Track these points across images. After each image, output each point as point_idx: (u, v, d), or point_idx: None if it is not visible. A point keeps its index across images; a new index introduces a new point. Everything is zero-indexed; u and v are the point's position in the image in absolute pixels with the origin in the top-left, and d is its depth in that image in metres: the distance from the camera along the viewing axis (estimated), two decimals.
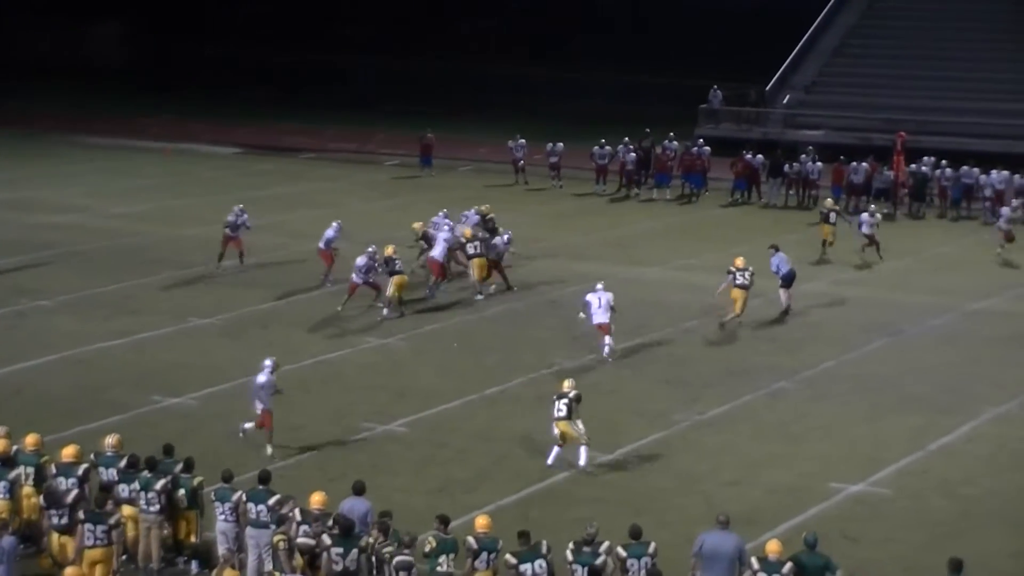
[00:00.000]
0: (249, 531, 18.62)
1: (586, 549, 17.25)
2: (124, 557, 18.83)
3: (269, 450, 23.08)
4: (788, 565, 16.91)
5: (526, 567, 17.08)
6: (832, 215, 38.93)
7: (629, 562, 17.23)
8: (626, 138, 48.91)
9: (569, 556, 17.24)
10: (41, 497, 19.08)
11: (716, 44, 69.36)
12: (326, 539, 17.46)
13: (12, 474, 19.49)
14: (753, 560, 17.10)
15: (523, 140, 49.72)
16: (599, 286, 29.70)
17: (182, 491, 19.21)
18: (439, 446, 24.19)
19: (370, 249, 32.52)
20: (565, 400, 23.03)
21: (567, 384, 23.40)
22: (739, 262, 31.70)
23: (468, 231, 34.23)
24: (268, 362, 23.57)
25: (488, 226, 35.06)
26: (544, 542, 17.34)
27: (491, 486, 22.38)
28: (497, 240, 34.31)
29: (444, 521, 17.91)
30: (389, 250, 32.79)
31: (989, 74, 56.95)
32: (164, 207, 44.10)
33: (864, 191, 46.06)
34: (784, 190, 47.48)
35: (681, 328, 31.62)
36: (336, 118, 63.49)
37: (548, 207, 46.03)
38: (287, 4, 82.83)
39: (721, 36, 70.39)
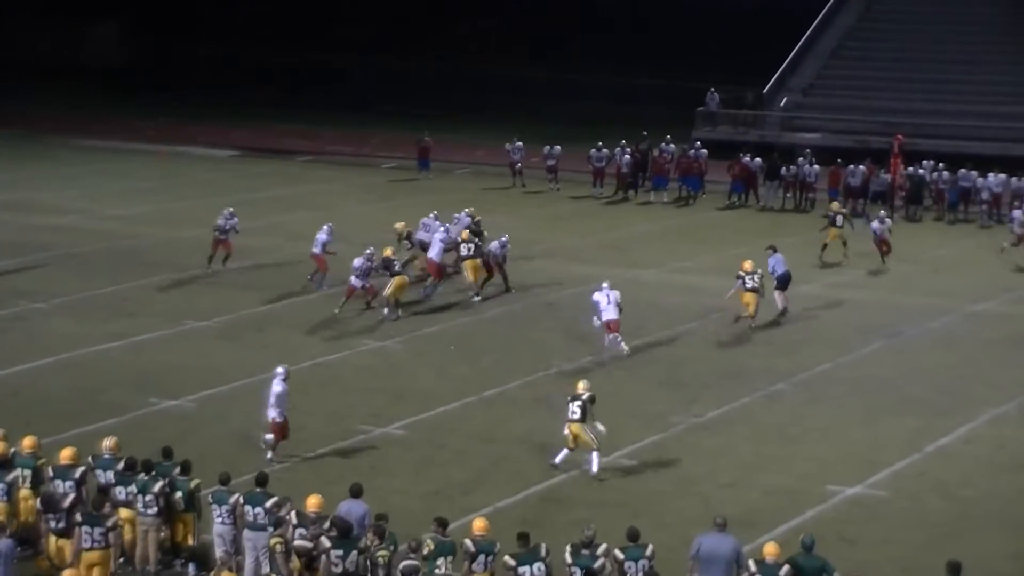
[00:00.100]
0: (246, 533, 18.61)
1: (584, 551, 17.25)
2: (122, 560, 18.83)
3: (270, 455, 22.99)
4: (785, 567, 16.91)
5: (525, 569, 17.07)
6: (839, 218, 38.97)
7: (627, 564, 17.22)
8: (623, 141, 48.91)
9: (568, 558, 17.23)
10: (38, 501, 19.07)
11: (713, 46, 69.35)
12: (325, 542, 17.44)
13: (9, 476, 19.49)
14: (750, 562, 17.11)
15: (520, 143, 49.72)
16: (605, 285, 29.78)
17: (179, 494, 19.20)
18: (437, 448, 24.19)
19: (368, 251, 32.55)
20: (579, 402, 22.85)
21: (582, 385, 23.20)
22: (747, 265, 31.74)
23: (465, 232, 34.27)
24: (280, 369, 23.38)
25: (474, 229, 35.11)
26: (543, 545, 17.34)
27: (489, 488, 22.37)
28: (494, 243, 34.28)
29: (442, 523, 17.91)
30: (388, 251, 32.84)
31: (987, 77, 56.99)
32: (161, 209, 44.07)
33: (861, 194, 46.07)
34: (781, 193, 47.49)
35: (678, 330, 31.62)
36: (335, 119, 63.46)
37: (545, 210, 46.04)
38: (286, 4, 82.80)
39: (718, 38, 70.39)
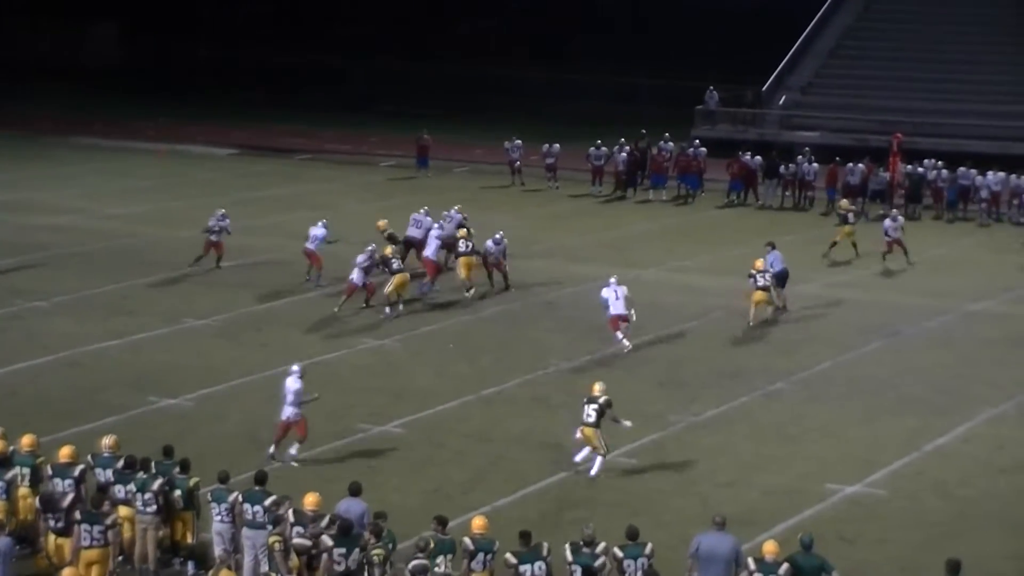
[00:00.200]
0: (245, 532, 18.62)
1: (585, 550, 17.26)
2: (120, 558, 18.82)
3: (271, 449, 22.98)
4: (784, 566, 16.92)
5: (526, 568, 17.09)
6: (851, 215, 39.05)
7: (626, 563, 17.24)
8: (622, 139, 48.91)
9: (568, 556, 17.25)
10: (37, 500, 19.08)
11: (712, 45, 69.36)
12: (327, 540, 17.45)
13: (8, 475, 19.50)
14: (749, 561, 17.12)
15: (519, 141, 49.72)
16: (612, 280, 29.90)
17: (178, 492, 19.20)
18: (436, 447, 24.20)
19: (369, 248, 32.64)
20: (595, 405, 22.65)
21: (598, 388, 22.98)
22: (759, 264, 31.82)
23: (463, 230, 34.30)
24: (296, 367, 23.23)
25: (465, 225, 35.24)
26: (545, 544, 17.36)
27: (487, 487, 22.39)
28: (488, 242, 34.26)
29: (442, 522, 17.93)
30: (388, 250, 32.89)
31: (986, 75, 56.99)
32: (161, 208, 44.07)
33: (860, 193, 46.06)
34: (780, 191, 47.50)
35: (677, 329, 31.63)
36: (334, 119, 63.44)
37: (544, 208, 46.04)
38: (286, 4, 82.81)
39: (717, 37, 70.40)
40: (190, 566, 19.22)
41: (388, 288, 32.00)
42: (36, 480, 19.65)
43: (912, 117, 53.06)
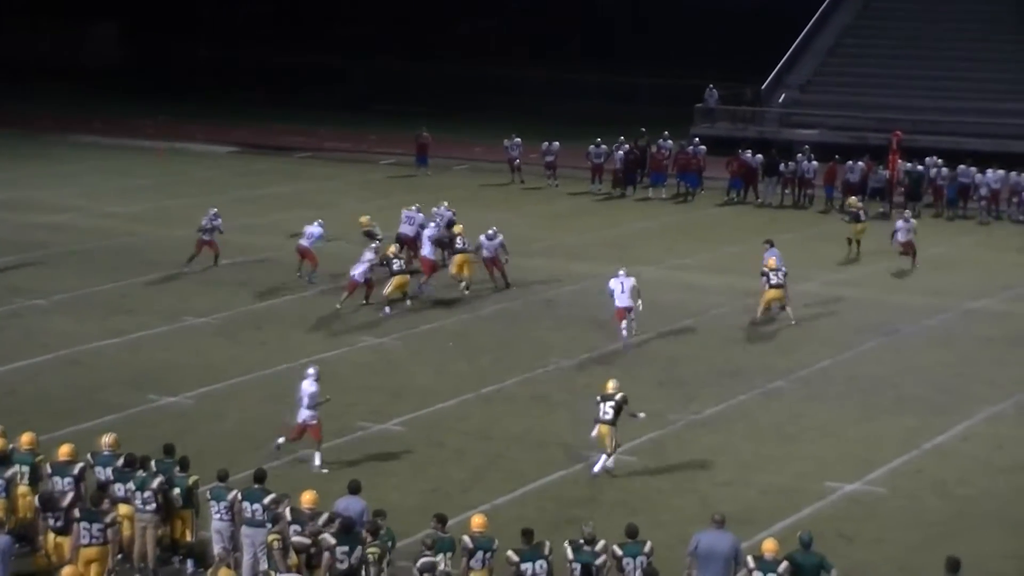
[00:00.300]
0: (244, 530, 18.63)
1: (586, 548, 17.27)
2: (120, 556, 18.83)
3: (280, 440, 22.94)
4: (784, 564, 16.94)
5: (527, 566, 17.10)
6: (862, 213, 39.11)
7: (625, 561, 17.25)
8: (621, 137, 48.91)
9: (569, 554, 17.25)
10: (36, 499, 19.08)
11: (712, 44, 69.39)
12: (330, 539, 17.46)
13: (8, 473, 19.51)
14: (749, 559, 17.13)
15: (519, 139, 49.72)
16: (621, 272, 30.03)
17: (177, 490, 19.21)
18: (435, 445, 24.20)
19: (374, 244, 32.77)
20: (612, 403, 22.53)
21: (611, 385, 22.86)
22: (772, 263, 31.87)
23: (459, 227, 34.32)
24: (312, 370, 23.08)
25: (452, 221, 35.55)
26: (547, 543, 17.37)
27: (487, 485, 22.39)
28: (481, 237, 34.26)
29: (442, 520, 17.94)
30: (391, 249, 32.95)
31: (985, 73, 57.00)
32: (160, 207, 44.08)
33: (860, 190, 46.04)
34: (780, 189, 47.50)
35: (676, 328, 31.63)
36: (334, 118, 63.44)
37: (544, 206, 46.04)
38: (286, 4, 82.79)
39: (717, 36, 70.41)
40: (189, 564, 19.25)
41: (388, 289, 32.02)
42: (35, 478, 19.66)
43: (911, 115, 53.06)
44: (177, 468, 19.44)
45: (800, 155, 47.51)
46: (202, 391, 26.67)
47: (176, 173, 50.64)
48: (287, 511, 18.20)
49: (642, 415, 23.29)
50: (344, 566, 17.31)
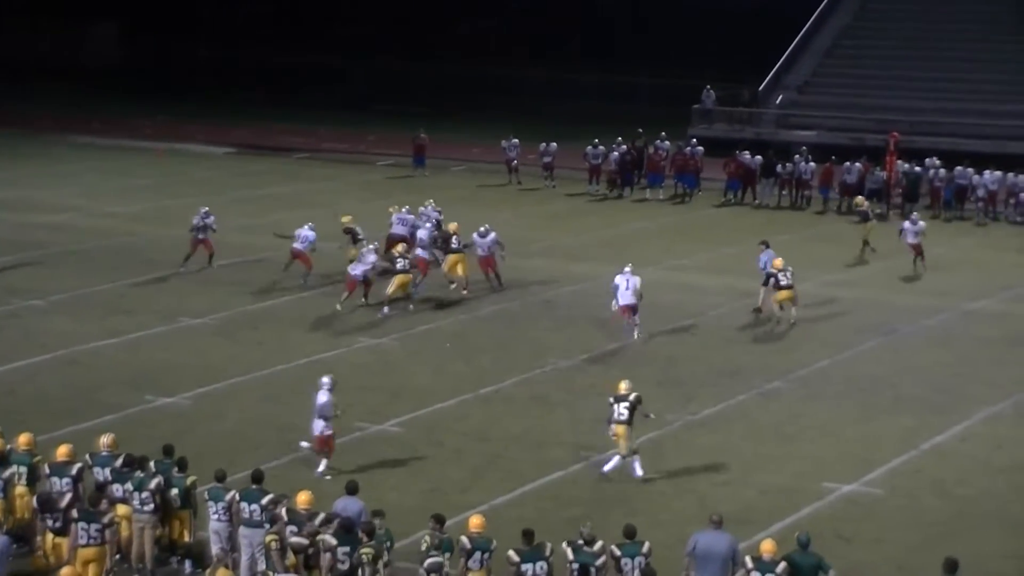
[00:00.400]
0: (242, 530, 18.62)
1: (586, 549, 17.26)
2: (118, 557, 18.82)
3: (322, 467, 22.51)
4: (782, 565, 16.93)
5: (527, 567, 17.10)
6: (870, 212, 39.22)
7: (623, 561, 17.25)
8: (619, 138, 48.93)
9: (569, 555, 17.24)
10: (35, 499, 19.07)
11: (710, 44, 69.42)
12: (331, 539, 17.45)
13: (5, 473, 19.48)
14: (747, 559, 17.13)
15: (516, 140, 49.74)
16: (627, 269, 30.09)
17: (175, 491, 19.20)
18: (433, 446, 24.19)
19: (374, 245, 32.82)
20: (626, 404, 22.37)
21: (624, 386, 22.67)
22: (778, 263, 31.86)
23: (454, 225, 34.33)
24: (326, 379, 22.81)
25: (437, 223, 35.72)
26: (548, 544, 17.36)
27: (485, 486, 22.38)
28: (474, 235, 34.27)
29: (440, 520, 17.92)
30: (398, 248, 32.99)
31: (982, 74, 57.05)
32: (158, 207, 44.07)
33: (857, 192, 46.08)
34: (777, 190, 47.51)
35: (674, 328, 31.63)
36: (332, 118, 63.45)
37: (541, 207, 46.05)
38: (286, 4, 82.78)
39: (715, 37, 70.44)
40: (187, 565, 19.24)
41: (390, 288, 32.05)
42: (33, 479, 19.64)
43: (909, 116, 53.11)
44: (175, 469, 19.43)
45: (798, 156, 47.53)
46: (200, 391, 26.65)
47: (175, 173, 50.64)
48: (283, 511, 18.20)
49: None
50: (345, 567, 17.31)
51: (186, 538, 19.39)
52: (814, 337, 31.25)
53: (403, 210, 36.32)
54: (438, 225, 35.18)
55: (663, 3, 72.97)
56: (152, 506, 18.96)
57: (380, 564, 17.35)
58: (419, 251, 33.87)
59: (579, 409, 26.16)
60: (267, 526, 18.20)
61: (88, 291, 33.75)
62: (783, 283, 31.54)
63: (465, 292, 33.64)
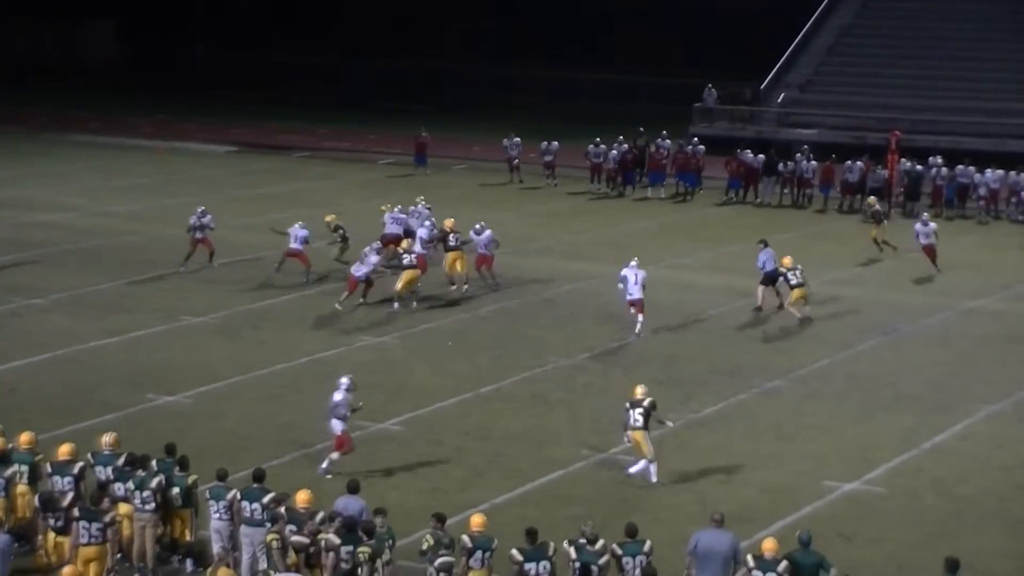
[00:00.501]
0: (243, 529, 18.61)
1: (589, 548, 17.25)
2: (119, 556, 18.82)
3: (326, 463, 22.40)
4: (783, 563, 16.93)
5: (531, 566, 17.09)
6: (882, 213, 39.16)
7: (624, 560, 17.25)
8: (621, 136, 48.92)
9: (572, 554, 17.23)
10: (36, 499, 19.07)
11: (711, 43, 69.45)
12: (334, 538, 17.45)
13: (7, 472, 19.47)
14: (748, 558, 17.12)
15: (518, 139, 49.73)
16: (633, 263, 30.20)
17: (176, 489, 19.19)
18: (434, 444, 24.19)
19: (375, 244, 32.83)
20: (640, 409, 22.18)
21: (640, 391, 22.49)
22: (787, 261, 31.84)
23: (450, 222, 34.34)
24: (345, 380, 22.74)
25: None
26: (551, 543, 17.35)
27: (485, 484, 22.38)
28: (471, 233, 34.28)
29: (440, 519, 17.91)
30: (404, 244, 32.99)
31: (983, 73, 57.05)
32: (158, 206, 44.07)
33: (859, 190, 46.13)
34: (779, 189, 47.50)
35: (675, 327, 31.63)
36: (333, 117, 63.46)
37: (542, 206, 46.04)
38: (286, 4, 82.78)
39: (716, 35, 70.48)
40: (188, 564, 19.24)
41: (399, 284, 32.10)
42: (34, 477, 19.64)
43: (910, 114, 53.11)
44: (177, 468, 19.43)
45: (799, 155, 47.52)
46: (201, 390, 26.65)
47: (174, 172, 50.64)
48: (283, 510, 18.19)
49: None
50: (349, 566, 17.31)
51: (187, 537, 19.38)
52: (814, 336, 31.24)
53: (395, 209, 36.35)
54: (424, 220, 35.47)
55: (663, 2, 72.94)
56: (153, 505, 18.96)
57: (380, 563, 17.34)
58: (416, 249, 33.86)
59: (579, 408, 26.17)
60: (268, 525, 18.20)
61: (88, 290, 33.75)
62: (793, 282, 31.48)
63: (466, 287, 33.65)
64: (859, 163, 46.41)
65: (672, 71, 65.77)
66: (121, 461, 19.63)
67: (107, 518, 18.19)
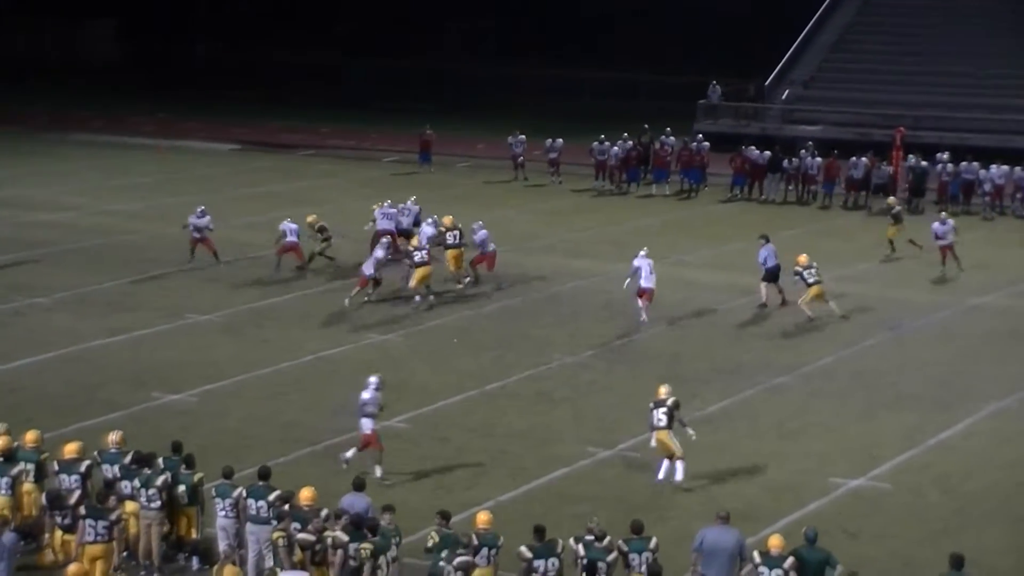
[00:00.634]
0: (249, 527, 18.62)
1: (597, 545, 17.24)
2: (125, 553, 18.82)
3: (378, 471, 22.10)
4: (789, 560, 16.93)
5: (540, 563, 17.09)
6: (902, 212, 39.15)
7: (630, 556, 17.27)
8: (625, 134, 48.89)
9: (580, 551, 17.21)
10: (44, 496, 19.09)
11: (715, 40, 69.38)
12: (342, 536, 17.44)
13: (13, 471, 19.48)
14: (755, 554, 17.13)
15: (523, 136, 49.68)
16: (643, 252, 30.32)
17: (182, 487, 19.20)
18: (438, 442, 24.18)
19: (384, 240, 32.88)
20: (664, 408, 22.08)
21: (663, 390, 22.39)
22: (803, 259, 31.75)
23: (448, 219, 34.34)
24: (373, 379, 22.59)
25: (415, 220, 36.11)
26: (560, 540, 17.34)
27: (490, 482, 22.38)
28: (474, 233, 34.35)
29: (445, 516, 17.94)
30: (414, 242, 33.02)
31: (987, 69, 56.94)
32: (160, 204, 44.05)
33: (863, 186, 46.10)
34: (783, 186, 47.45)
35: (679, 324, 31.61)
36: (336, 115, 63.43)
37: (546, 203, 46.01)
38: (285, 3, 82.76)
39: (720, 31, 70.40)
40: (194, 561, 19.24)
41: (412, 282, 32.15)
42: (40, 476, 19.67)
43: (915, 111, 53.05)
44: (183, 466, 19.44)
45: (803, 151, 47.47)
46: (205, 388, 26.65)
47: (176, 171, 50.62)
48: (286, 508, 18.20)
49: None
50: (357, 563, 17.30)
51: (193, 535, 19.40)
52: (819, 333, 31.21)
53: (385, 204, 36.41)
54: (416, 222, 35.63)
55: (666, 2, 72.87)
56: (159, 503, 18.96)
57: (385, 560, 17.31)
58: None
59: (584, 405, 26.16)
60: (274, 523, 18.20)
61: (91, 289, 33.74)
62: (810, 280, 31.41)
63: (468, 281, 33.68)
64: (863, 159, 46.36)
65: (676, 68, 65.77)
66: (128, 459, 19.65)
67: (113, 516, 18.20)
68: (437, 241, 34.13)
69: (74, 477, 19.25)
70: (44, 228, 40.35)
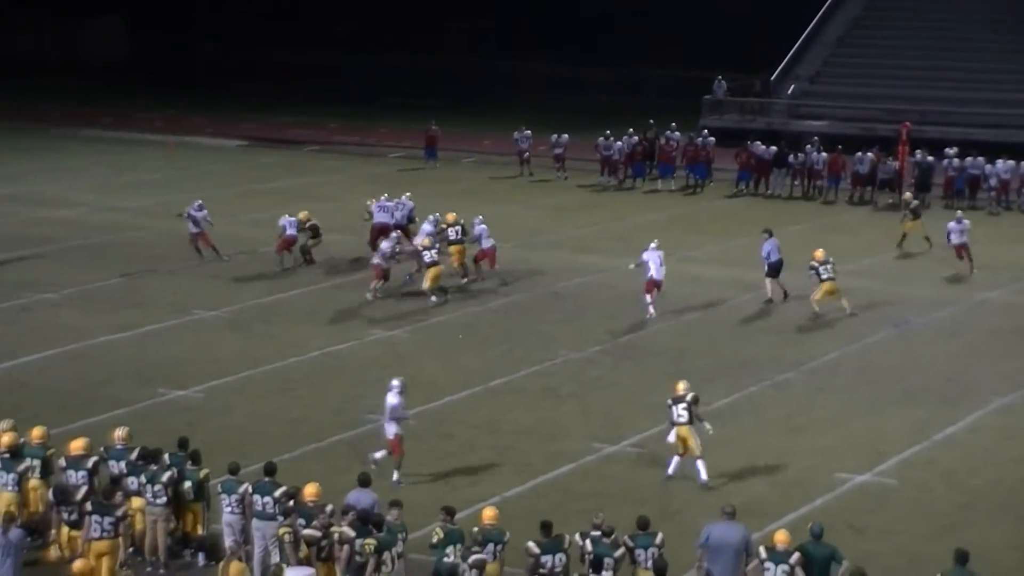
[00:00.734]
0: (255, 523, 18.66)
1: (605, 540, 17.27)
2: (131, 550, 18.86)
3: (395, 476, 22.05)
4: (795, 555, 16.95)
5: (547, 559, 17.14)
6: (920, 208, 39.07)
7: (637, 552, 17.30)
8: (631, 129, 48.88)
9: (588, 547, 17.23)
10: (51, 492, 19.13)
11: (721, 35, 69.29)
12: (349, 532, 17.48)
13: (20, 467, 19.53)
14: (761, 550, 17.15)
15: (528, 131, 49.67)
16: (653, 245, 30.60)
17: (188, 483, 19.24)
18: (444, 438, 24.21)
19: (394, 235, 33.01)
20: (684, 404, 22.10)
21: (682, 386, 22.43)
22: (819, 254, 31.67)
23: (451, 215, 34.37)
24: (396, 382, 22.43)
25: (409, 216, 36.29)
26: (567, 536, 17.37)
27: (496, 478, 22.41)
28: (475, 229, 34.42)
29: (450, 512, 17.96)
30: (426, 241, 33.05)
31: (993, 64, 56.87)
32: (168, 201, 44.01)
33: (869, 182, 46.07)
34: (789, 181, 47.42)
35: (685, 320, 31.62)
36: (342, 112, 63.44)
37: (552, 199, 46.00)
38: (285, 2, 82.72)
39: (726, 27, 70.29)
40: (200, 557, 19.28)
41: (426, 283, 32.13)
42: (47, 472, 19.72)
43: (920, 106, 52.95)
44: (189, 462, 19.47)
45: (809, 146, 47.44)
46: (211, 384, 26.70)
47: (184, 167, 50.66)
48: (291, 503, 18.24)
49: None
50: (363, 559, 17.34)
51: (199, 531, 19.44)
52: (825, 328, 31.21)
53: (382, 198, 36.48)
54: (411, 218, 35.76)
55: (666, 1, 72.78)
56: (165, 499, 19.01)
57: (390, 555, 17.35)
58: (416, 241, 33.95)
59: (590, 401, 26.18)
60: (280, 519, 18.24)
61: (98, 285, 33.80)
62: (825, 276, 31.37)
63: (469, 278, 33.72)
64: (869, 154, 46.32)
65: (682, 64, 65.71)
66: (134, 455, 19.70)
67: (119, 512, 18.25)
68: (439, 237, 34.17)
69: (80, 473, 19.29)
70: (52, 224, 40.42)
